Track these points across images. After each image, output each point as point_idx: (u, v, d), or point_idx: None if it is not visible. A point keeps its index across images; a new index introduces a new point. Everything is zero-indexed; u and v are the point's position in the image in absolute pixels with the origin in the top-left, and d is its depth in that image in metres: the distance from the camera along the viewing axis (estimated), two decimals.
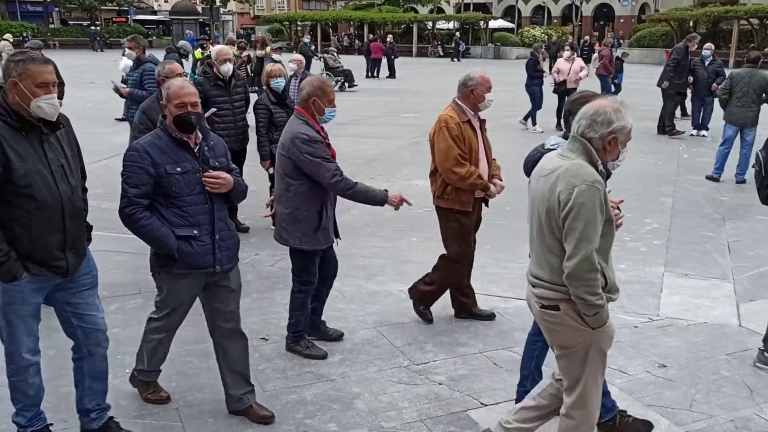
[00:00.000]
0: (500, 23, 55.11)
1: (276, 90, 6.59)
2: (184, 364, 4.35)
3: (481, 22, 49.79)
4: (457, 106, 4.71)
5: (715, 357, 4.56)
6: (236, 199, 3.70)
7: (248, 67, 14.55)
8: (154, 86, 8.17)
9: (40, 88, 2.99)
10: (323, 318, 4.82)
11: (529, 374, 3.78)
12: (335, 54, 24.61)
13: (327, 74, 22.34)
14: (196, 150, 3.48)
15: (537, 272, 3.04)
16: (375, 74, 28.54)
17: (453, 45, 43.61)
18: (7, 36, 24.89)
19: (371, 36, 41.03)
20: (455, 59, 41.14)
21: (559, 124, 14.46)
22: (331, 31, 51.41)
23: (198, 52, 13.19)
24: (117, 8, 61.85)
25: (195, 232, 3.44)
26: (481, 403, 3.98)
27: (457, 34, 46.21)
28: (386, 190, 4.40)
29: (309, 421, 3.78)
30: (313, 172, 4.16)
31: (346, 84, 22.49)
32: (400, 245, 6.87)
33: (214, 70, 6.76)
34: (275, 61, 10.62)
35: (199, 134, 3.51)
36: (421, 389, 4.11)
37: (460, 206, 4.76)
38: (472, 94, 4.64)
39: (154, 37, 52.41)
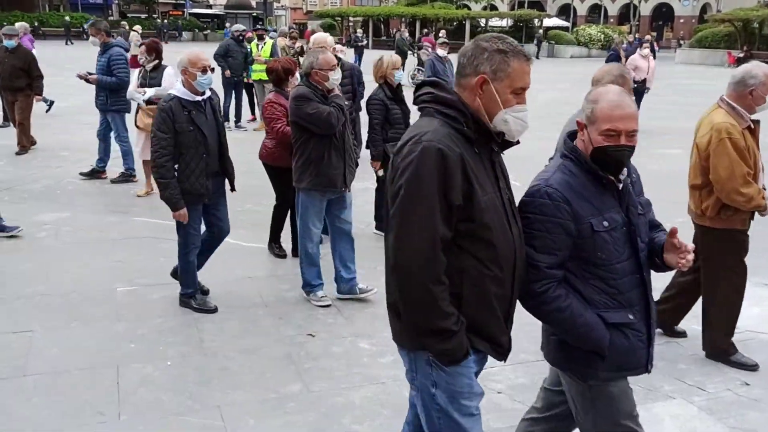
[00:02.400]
0: (555, 21, 54.12)
1: (392, 84, 6.07)
2: (227, 359, 4.14)
3: (536, 20, 48.90)
4: (731, 108, 4.02)
5: None
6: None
7: (300, 58, 14.39)
8: (125, 72, 7.96)
9: (516, 95, 2.18)
10: None
11: None
12: (429, 50, 24.01)
13: (420, 70, 21.83)
14: (620, 189, 2.39)
15: None
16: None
17: (535, 42, 42.72)
18: (137, 27, 26.24)
19: (424, 31, 40.65)
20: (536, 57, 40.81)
21: None
22: (382, 26, 51.15)
23: (254, 45, 12.70)
24: (174, 2, 62.91)
25: (630, 317, 2.37)
26: None
27: (540, 31, 45.33)
28: None
29: (357, 426, 3.50)
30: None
31: None
32: None
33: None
34: (338, 59, 10.19)
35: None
36: None
37: (741, 225, 4.13)
38: (750, 94, 3.98)
39: (209, 31, 53.13)
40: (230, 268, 5.60)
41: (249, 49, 12.52)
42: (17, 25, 12.41)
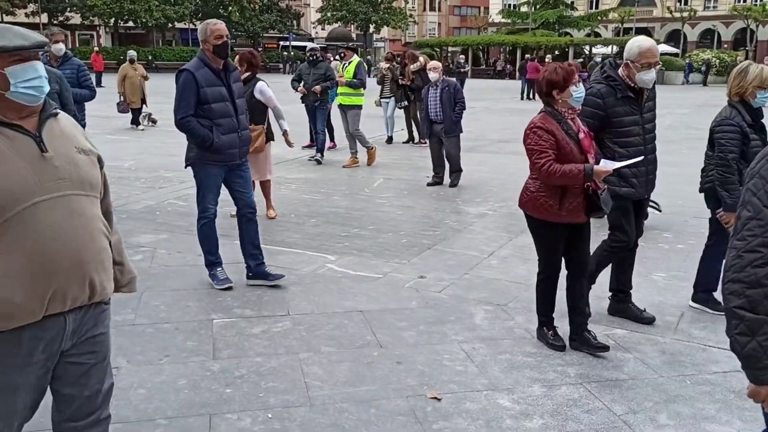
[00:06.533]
0: (663, 48, 51.70)
1: (756, 105, 4.40)
2: (338, 412, 3.40)
3: None
4: None
5: None
6: None
7: (401, 79, 13.76)
8: (92, 82, 7.42)
9: None
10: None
11: None
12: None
13: None
14: None
15: None
16: (530, 96, 27.18)
17: (703, 68, 40.19)
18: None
19: (527, 56, 39.64)
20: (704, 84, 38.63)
21: None
22: (482, 55, 50.54)
23: (340, 66, 11.48)
24: (278, 35, 64.91)
25: None
26: None
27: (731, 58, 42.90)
28: None
29: None
30: None
31: None
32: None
33: (622, 73, 4.31)
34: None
35: None
36: None
37: None
38: None
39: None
40: (337, 299, 4.92)
41: (329, 71, 10.94)
42: None
